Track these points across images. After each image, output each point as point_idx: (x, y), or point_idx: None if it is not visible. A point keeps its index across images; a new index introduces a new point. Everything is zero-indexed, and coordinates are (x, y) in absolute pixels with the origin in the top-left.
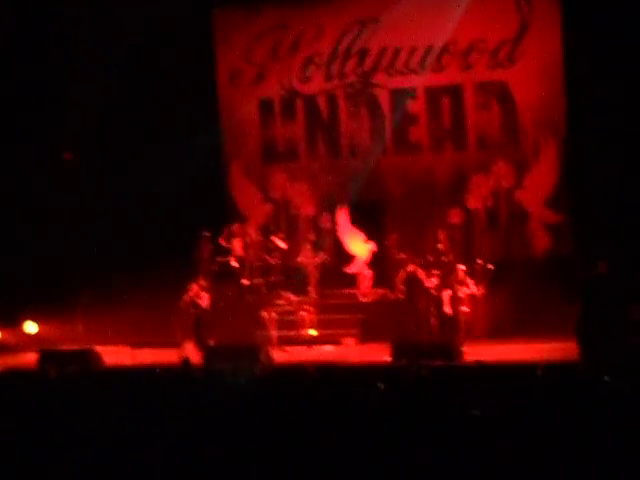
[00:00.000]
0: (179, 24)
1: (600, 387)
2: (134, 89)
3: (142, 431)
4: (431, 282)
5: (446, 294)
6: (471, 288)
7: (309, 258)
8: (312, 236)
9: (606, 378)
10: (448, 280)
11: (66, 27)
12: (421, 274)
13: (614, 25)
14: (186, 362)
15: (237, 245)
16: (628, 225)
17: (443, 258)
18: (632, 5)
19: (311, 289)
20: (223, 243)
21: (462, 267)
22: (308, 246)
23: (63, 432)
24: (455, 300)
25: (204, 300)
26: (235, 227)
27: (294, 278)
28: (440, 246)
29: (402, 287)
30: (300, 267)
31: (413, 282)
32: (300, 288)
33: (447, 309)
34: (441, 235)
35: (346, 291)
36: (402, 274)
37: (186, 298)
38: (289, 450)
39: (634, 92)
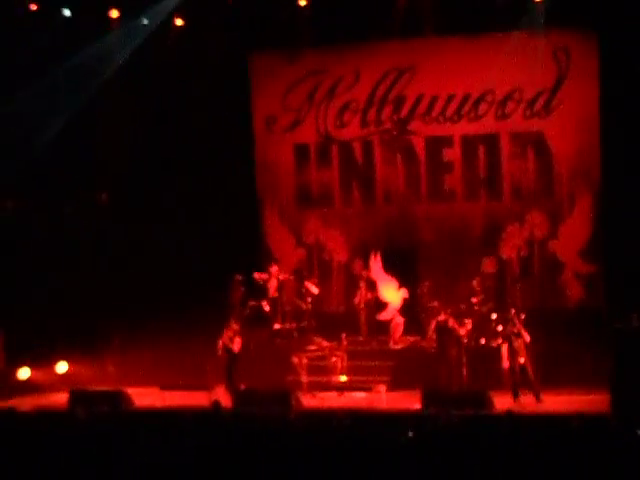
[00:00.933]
0: (216, 69)
1: (632, 440)
2: (171, 134)
3: (172, 473)
4: (463, 331)
5: (504, 347)
6: (526, 337)
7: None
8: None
9: (638, 431)
10: (486, 329)
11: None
12: (453, 323)
13: None
14: (217, 405)
15: (271, 287)
16: None
17: (476, 307)
18: None
19: (343, 335)
20: (257, 277)
21: (494, 316)
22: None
23: (93, 472)
24: (512, 351)
25: (236, 344)
26: (271, 268)
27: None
28: (475, 295)
29: (433, 336)
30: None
31: (444, 331)
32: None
33: (505, 363)
34: (475, 284)
35: (378, 338)
36: (433, 322)
37: (219, 341)
38: None
39: None
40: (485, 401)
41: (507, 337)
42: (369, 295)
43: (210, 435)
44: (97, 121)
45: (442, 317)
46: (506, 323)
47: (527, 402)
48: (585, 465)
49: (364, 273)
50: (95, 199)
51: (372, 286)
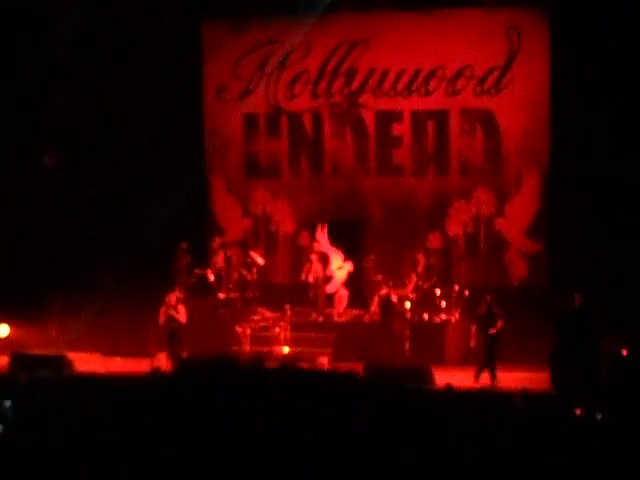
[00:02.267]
0: (169, 37)
1: (571, 418)
2: (122, 102)
3: (109, 438)
4: (405, 305)
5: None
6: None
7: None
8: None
9: (577, 410)
10: (429, 304)
11: (54, 32)
12: (395, 297)
13: (601, 56)
14: (156, 372)
15: (218, 258)
16: (604, 258)
17: (420, 282)
18: (619, 37)
19: (287, 306)
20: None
21: (438, 292)
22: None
23: (30, 435)
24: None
25: (181, 312)
26: (216, 240)
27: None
28: (418, 270)
29: (377, 309)
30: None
31: (387, 305)
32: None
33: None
34: (419, 259)
35: (321, 310)
36: (376, 297)
37: (162, 309)
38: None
39: (618, 124)
40: (426, 376)
41: (478, 317)
42: (321, 268)
43: (150, 401)
44: (48, 88)
45: (384, 291)
46: (450, 299)
47: (471, 377)
48: (522, 442)
49: (316, 246)
50: (44, 162)
51: (325, 260)
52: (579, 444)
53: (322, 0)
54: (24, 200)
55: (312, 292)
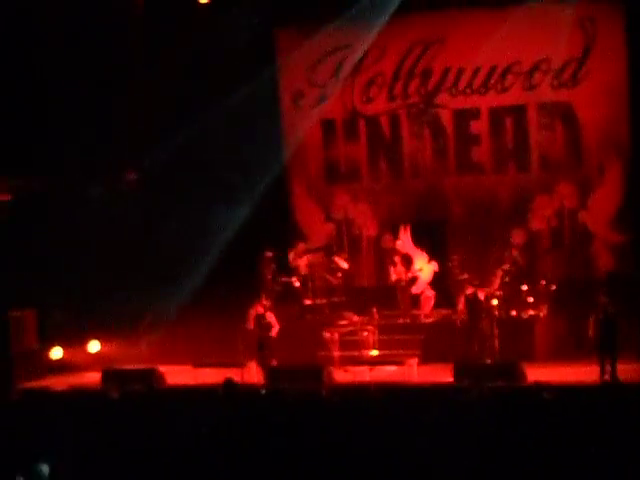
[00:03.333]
0: (243, 46)
1: None
2: (201, 114)
3: (204, 449)
4: (493, 303)
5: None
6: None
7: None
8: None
9: None
10: (516, 301)
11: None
12: (482, 295)
13: None
14: (228, 382)
15: (301, 264)
16: None
17: (506, 279)
18: None
19: (374, 309)
20: (289, 259)
21: (525, 287)
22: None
23: (125, 450)
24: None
25: (270, 320)
26: (299, 246)
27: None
28: (504, 267)
29: (463, 309)
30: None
31: (474, 303)
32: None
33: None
34: (505, 256)
35: (408, 311)
36: (462, 296)
37: (250, 318)
38: (352, 468)
39: None
40: (517, 373)
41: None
42: (406, 270)
43: (240, 412)
44: (127, 102)
45: (470, 290)
46: (537, 295)
47: (562, 373)
48: (623, 436)
49: (399, 247)
50: (123, 180)
51: (408, 261)
52: None
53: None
54: (110, 217)
55: (398, 294)
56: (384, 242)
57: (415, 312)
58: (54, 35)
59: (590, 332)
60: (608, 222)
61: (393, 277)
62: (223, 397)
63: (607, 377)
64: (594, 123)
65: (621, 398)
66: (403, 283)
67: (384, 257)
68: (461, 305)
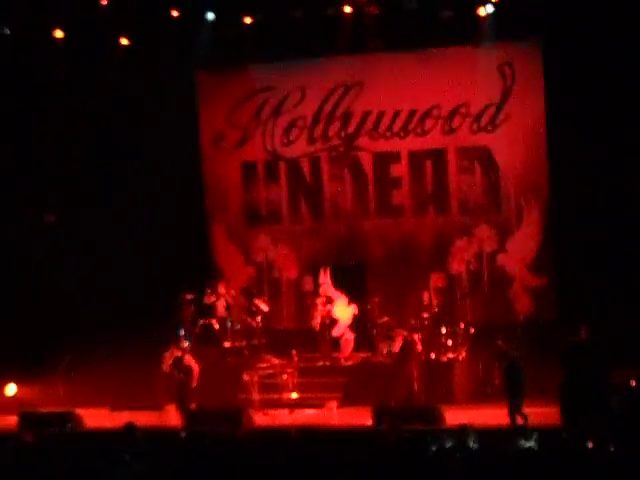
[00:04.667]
0: (164, 86)
1: (583, 452)
2: (119, 153)
3: None
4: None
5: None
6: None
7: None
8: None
9: (589, 443)
10: (435, 344)
11: (49, 87)
12: (416, 340)
13: (596, 90)
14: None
15: (219, 306)
16: (610, 290)
17: (426, 322)
18: (613, 67)
19: (294, 352)
20: (207, 301)
21: (444, 330)
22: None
23: None
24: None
25: (190, 363)
26: (218, 287)
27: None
28: (424, 311)
29: (398, 352)
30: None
31: (408, 348)
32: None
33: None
34: (425, 299)
35: (328, 354)
36: (401, 338)
37: (167, 358)
38: None
39: (616, 157)
40: (437, 416)
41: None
42: (326, 312)
43: (162, 455)
44: (44, 139)
45: (405, 333)
46: (456, 338)
47: (481, 415)
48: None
49: (321, 290)
50: (43, 218)
51: (329, 303)
52: (592, 477)
53: None
54: (28, 259)
55: (319, 337)
56: (304, 285)
57: (335, 355)
58: None
59: (496, 379)
60: (526, 265)
61: (315, 320)
62: (129, 441)
63: (519, 420)
64: (512, 167)
65: (525, 442)
66: (325, 326)
67: (304, 300)
68: (397, 348)
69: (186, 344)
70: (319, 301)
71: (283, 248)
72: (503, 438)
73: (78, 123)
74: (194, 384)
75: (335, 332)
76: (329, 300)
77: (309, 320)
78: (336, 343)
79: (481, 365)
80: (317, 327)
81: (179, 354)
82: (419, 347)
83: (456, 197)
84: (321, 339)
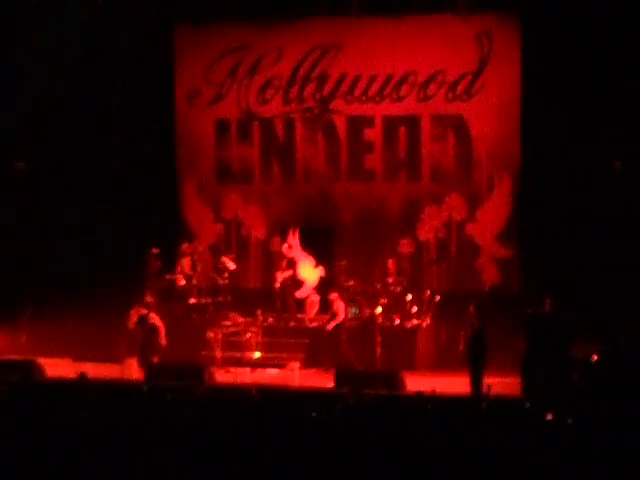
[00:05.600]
0: (140, 39)
1: (541, 424)
2: (89, 101)
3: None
4: (377, 310)
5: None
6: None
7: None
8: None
9: (548, 415)
10: (400, 309)
11: (21, 30)
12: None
13: (572, 61)
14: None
15: (185, 263)
16: (576, 264)
17: (391, 287)
18: (590, 42)
19: (258, 311)
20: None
21: (409, 297)
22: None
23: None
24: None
25: (154, 318)
26: (184, 245)
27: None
28: (389, 275)
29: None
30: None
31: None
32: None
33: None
34: (391, 264)
35: (294, 315)
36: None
37: (132, 314)
38: (224, 471)
39: (589, 131)
40: (397, 381)
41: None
42: (288, 273)
43: (119, 407)
44: (19, 90)
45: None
46: (421, 305)
47: (442, 383)
48: (495, 448)
49: (285, 252)
50: (12, 168)
51: (292, 264)
52: (550, 449)
53: None
54: None
55: (281, 297)
56: (272, 245)
57: (300, 316)
58: None
59: (460, 346)
60: (495, 236)
61: (278, 280)
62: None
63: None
64: (485, 137)
65: (487, 411)
66: (289, 287)
67: (271, 260)
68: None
69: (152, 299)
70: (283, 263)
71: (253, 207)
72: (463, 406)
73: (52, 72)
74: (163, 342)
75: (301, 293)
76: (290, 263)
77: (274, 281)
78: (301, 305)
79: (445, 333)
80: (277, 289)
81: (144, 312)
82: (375, 311)
83: (428, 164)
84: (285, 300)
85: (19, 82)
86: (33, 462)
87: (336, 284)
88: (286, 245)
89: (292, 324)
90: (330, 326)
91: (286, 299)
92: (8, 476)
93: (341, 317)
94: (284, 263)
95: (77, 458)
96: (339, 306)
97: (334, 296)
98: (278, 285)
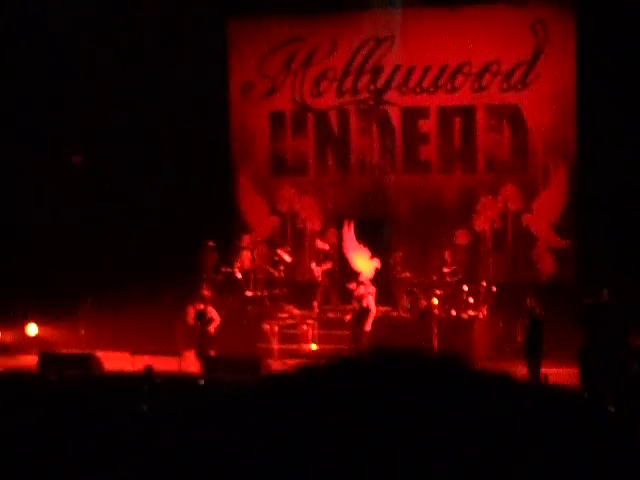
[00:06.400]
0: (193, 34)
1: (601, 415)
2: (145, 97)
3: (137, 435)
4: (433, 302)
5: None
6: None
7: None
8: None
9: (607, 406)
10: (456, 301)
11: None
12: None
13: (628, 50)
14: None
15: (245, 256)
16: (633, 253)
17: (448, 279)
18: None
19: (315, 303)
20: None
21: (466, 288)
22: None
23: (62, 434)
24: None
25: (210, 311)
26: (245, 238)
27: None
28: (445, 266)
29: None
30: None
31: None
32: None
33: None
34: (447, 255)
35: (349, 307)
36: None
37: (190, 310)
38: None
39: None
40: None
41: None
42: (327, 266)
43: (175, 400)
44: (75, 86)
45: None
46: (477, 295)
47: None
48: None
49: (320, 245)
50: (69, 162)
51: (329, 256)
52: (610, 441)
53: None
54: (53, 200)
55: (323, 290)
56: (328, 237)
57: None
58: None
59: (519, 337)
60: (551, 226)
61: (317, 273)
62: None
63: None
64: (541, 126)
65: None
66: (328, 279)
67: (327, 252)
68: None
69: (208, 292)
70: (321, 256)
71: (308, 199)
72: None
73: (109, 71)
74: (213, 332)
75: (355, 286)
76: (328, 256)
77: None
78: (352, 296)
79: (501, 324)
80: (318, 281)
81: (201, 307)
82: (431, 303)
83: (483, 155)
84: (325, 294)
85: (78, 78)
86: (92, 454)
87: (391, 276)
88: (319, 241)
89: (348, 317)
90: (368, 327)
91: (329, 291)
92: (68, 466)
93: (374, 311)
94: (321, 256)
95: (141, 451)
96: (369, 301)
97: (361, 290)
98: (319, 278)
